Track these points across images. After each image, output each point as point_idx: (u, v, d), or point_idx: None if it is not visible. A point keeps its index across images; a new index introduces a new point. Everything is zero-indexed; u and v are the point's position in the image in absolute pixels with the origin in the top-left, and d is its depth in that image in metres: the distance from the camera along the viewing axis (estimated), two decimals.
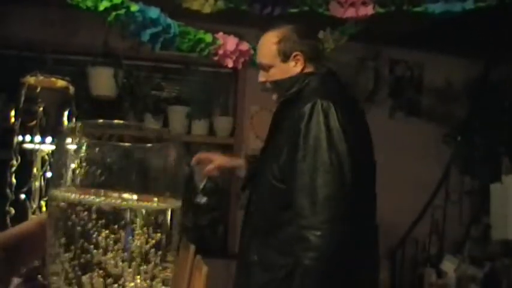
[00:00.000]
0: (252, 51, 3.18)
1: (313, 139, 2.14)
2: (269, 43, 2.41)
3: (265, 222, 2.33)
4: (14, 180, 2.65)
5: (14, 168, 2.65)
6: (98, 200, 0.60)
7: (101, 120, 0.66)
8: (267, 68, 2.41)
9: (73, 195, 0.60)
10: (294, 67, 2.38)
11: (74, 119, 2.74)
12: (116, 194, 0.62)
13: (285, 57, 2.38)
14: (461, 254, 5.02)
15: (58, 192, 0.62)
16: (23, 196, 2.68)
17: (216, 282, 4.71)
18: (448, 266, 4.84)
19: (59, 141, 0.65)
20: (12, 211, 2.62)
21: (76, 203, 0.60)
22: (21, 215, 2.67)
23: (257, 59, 2.50)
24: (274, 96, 2.46)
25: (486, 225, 4.99)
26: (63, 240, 0.59)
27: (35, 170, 2.72)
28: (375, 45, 5.25)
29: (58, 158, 0.64)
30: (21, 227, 0.65)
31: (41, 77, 2.73)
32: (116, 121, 0.67)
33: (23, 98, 2.69)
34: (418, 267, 5.03)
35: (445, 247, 5.09)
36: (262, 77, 2.44)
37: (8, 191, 2.63)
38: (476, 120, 5.33)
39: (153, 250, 0.60)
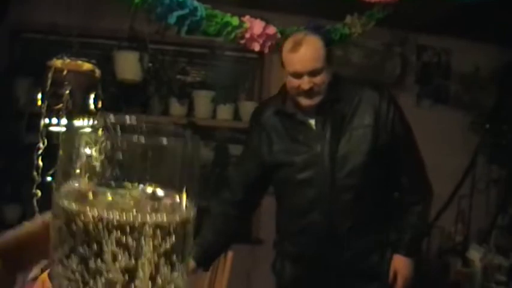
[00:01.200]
0: (278, 35, 3.15)
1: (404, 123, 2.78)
2: (318, 47, 2.53)
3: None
4: (40, 163, 2.65)
5: (40, 151, 2.66)
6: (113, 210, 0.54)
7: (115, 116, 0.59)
8: (318, 72, 2.51)
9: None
10: (330, 69, 2.59)
11: (100, 102, 2.74)
12: (131, 190, 0.56)
13: (329, 60, 2.57)
14: (487, 243, 4.97)
15: (66, 189, 0.55)
16: (49, 179, 2.69)
17: (240, 267, 4.73)
18: (474, 254, 4.80)
19: (69, 131, 0.59)
20: (39, 193, 2.63)
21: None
22: (48, 197, 2.69)
23: (308, 65, 2.52)
24: (317, 99, 2.56)
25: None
26: (69, 243, 0.53)
27: (61, 152, 2.72)
28: (402, 31, 5.19)
29: (68, 150, 0.57)
30: (22, 230, 0.58)
31: (68, 60, 2.72)
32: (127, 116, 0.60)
33: (49, 81, 2.69)
34: (444, 256, 4.99)
35: (471, 236, 5.04)
36: (309, 82, 2.52)
37: (35, 173, 2.64)
38: (504, 107, 5.25)
39: (165, 256, 0.55)
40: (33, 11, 4.59)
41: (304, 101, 2.56)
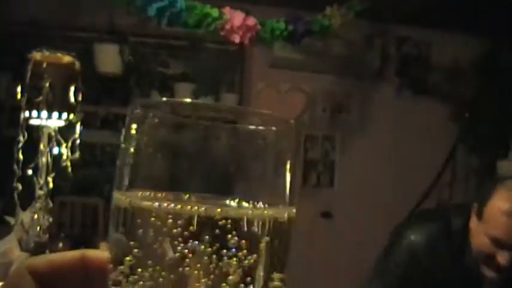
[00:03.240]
0: (258, 27, 3.16)
1: None
2: None
3: None
4: (21, 156, 2.64)
5: (20, 144, 2.65)
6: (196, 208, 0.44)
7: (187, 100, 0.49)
8: None
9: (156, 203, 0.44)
10: None
11: (80, 95, 2.73)
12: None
13: None
14: None
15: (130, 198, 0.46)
16: (30, 172, 2.68)
17: None
18: None
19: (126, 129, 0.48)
20: (20, 187, 2.62)
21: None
22: (28, 191, 2.68)
23: None
24: (504, 274, 2.01)
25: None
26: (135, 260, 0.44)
27: (41, 146, 2.72)
28: (381, 23, 5.21)
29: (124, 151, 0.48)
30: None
31: (47, 53, 2.72)
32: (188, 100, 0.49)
33: (29, 74, 2.68)
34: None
35: None
36: (509, 259, 1.97)
37: (15, 167, 2.63)
38: (484, 97, 5.29)
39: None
40: (12, 5, 4.55)
41: (490, 273, 2.01)
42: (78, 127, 2.76)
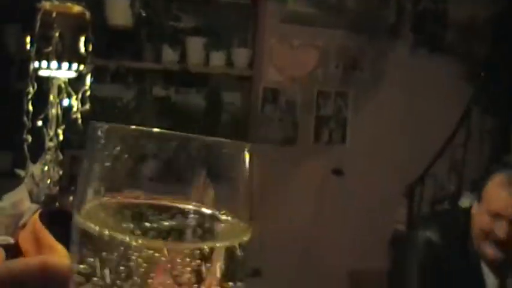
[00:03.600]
0: None
1: None
2: None
3: None
4: (30, 107, 2.61)
5: (30, 96, 2.62)
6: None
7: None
8: None
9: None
10: None
11: (90, 46, 2.68)
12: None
13: None
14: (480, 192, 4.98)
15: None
16: (40, 123, 2.65)
17: None
18: (466, 203, 4.80)
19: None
20: (30, 139, 2.60)
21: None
22: (38, 143, 2.66)
23: None
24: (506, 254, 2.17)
25: (507, 163, 4.93)
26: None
27: (51, 97, 2.68)
28: None
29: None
30: (18, 265, 0.48)
31: (57, 2, 2.66)
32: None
33: (38, 24, 2.64)
34: (436, 205, 5.00)
35: (465, 186, 5.04)
36: (507, 231, 2.12)
37: (25, 119, 2.60)
38: (499, 56, 5.20)
39: None
40: None
41: (490, 250, 2.14)
42: (88, 78, 2.72)
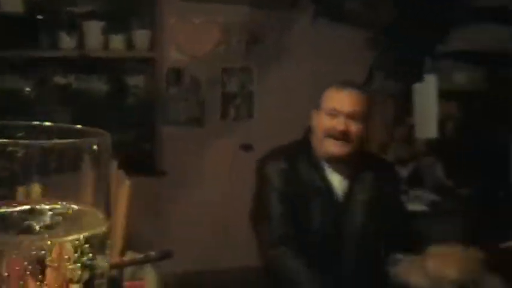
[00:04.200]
0: None
1: None
2: (364, 97, 2.61)
3: None
4: None
5: None
6: None
7: None
8: (357, 118, 2.53)
9: None
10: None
11: None
12: None
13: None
14: (386, 155, 5.12)
15: None
16: None
17: (144, 200, 4.69)
18: None
19: None
20: None
21: None
22: None
23: (349, 105, 2.53)
24: (347, 149, 2.51)
25: (410, 126, 5.08)
26: None
27: None
28: None
29: None
30: None
31: None
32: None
33: None
34: None
35: (371, 150, 5.16)
36: (345, 124, 2.49)
37: None
38: (399, 22, 5.31)
39: None
40: None
41: (330, 144, 2.48)
42: None
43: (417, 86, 4.78)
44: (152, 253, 2.25)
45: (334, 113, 2.46)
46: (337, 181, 2.51)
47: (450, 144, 5.04)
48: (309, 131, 2.68)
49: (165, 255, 2.38)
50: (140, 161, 4.75)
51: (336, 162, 2.50)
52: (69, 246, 0.48)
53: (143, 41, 4.87)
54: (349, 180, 2.51)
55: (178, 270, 3.80)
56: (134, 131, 4.87)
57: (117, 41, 4.79)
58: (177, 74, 4.93)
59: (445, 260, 2.22)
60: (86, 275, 0.49)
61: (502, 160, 4.94)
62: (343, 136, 2.43)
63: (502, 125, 4.95)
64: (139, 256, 2.19)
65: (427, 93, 4.75)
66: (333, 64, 5.21)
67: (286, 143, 2.60)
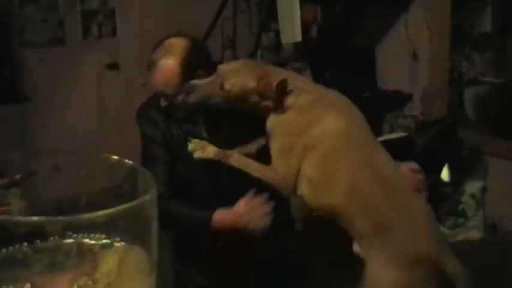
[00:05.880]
0: None
1: None
2: None
3: None
4: None
5: None
6: None
7: None
8: None
9: None
10: None
11: None
12: None
13: None
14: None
15: None
16: None
17: (12, 127, 4.50)
18: None
19: None
20: None
21: None
22: None
23: None
24: None
25: (276, 31, 5.11)
26: None
27: None
28: None
29: None
30: None
31: None
32: None
33: None
34: None
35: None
36: None
37: None
38: None
39: None
40: None
41: (162, 102, 2.36)
42: None
43: None
44: (17, 176, 2.15)
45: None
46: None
47: (316, 46, 5.14)
48: None
49: (29, 174, 2.29)
50: (1, 89, 4.51)
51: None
52: None
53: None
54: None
55: (47, 195, 3.69)
56: None
57: None
58: None
59: None
60: None
61: (367, 59, 5.11)
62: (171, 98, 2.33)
63: (367, 26, 5.08)
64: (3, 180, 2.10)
65: None
66: None
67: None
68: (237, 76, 1.99)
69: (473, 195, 4.20)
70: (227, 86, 1.98)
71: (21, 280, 0.62)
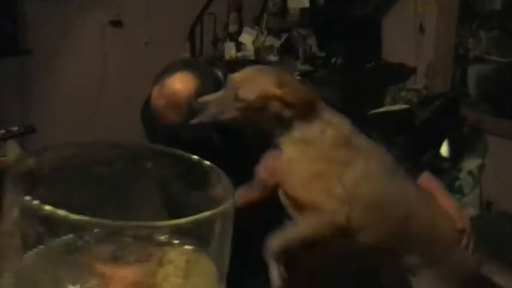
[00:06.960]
0: None
1: None
2: None
3: None
4: None
5: None
6: None
7: None
8: None
9: None
10: None
11: None
12: None
13: None
14: (259, 26, 5.11)
15: None
16: None
17: (13, 80, 4.47)
18: (247, 38, 4.93)
19: None
20: None
21: None
22: None
23: None
24: None
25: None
26: None
27: None
28: None
29: None
30: None
31: None
32: None
33: None
34: (218, 43, 5.05)
35: (244, 22, 5.13)
36: None
37: None
38: None
39: None
40: None
41: None
42: None
43: None
44: (15, 128, 2.15)
45: None
46: None
47: (323, 14, 5.08)
48: None
49: (28, 130, 2.27)
50: (2, 41, 4.47)
51: None
52: None
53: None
54: None
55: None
56: None
57: None
58: None
59: None
60: None
61: (373, 30, 5.06)
62: None
63: None
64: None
65: None
66: None
67: None
68: (253, 83, 1.87)
69: (470, 172, 4.21)
70: (243, 95, 1.85)
71: (86, 267, 0.61)
